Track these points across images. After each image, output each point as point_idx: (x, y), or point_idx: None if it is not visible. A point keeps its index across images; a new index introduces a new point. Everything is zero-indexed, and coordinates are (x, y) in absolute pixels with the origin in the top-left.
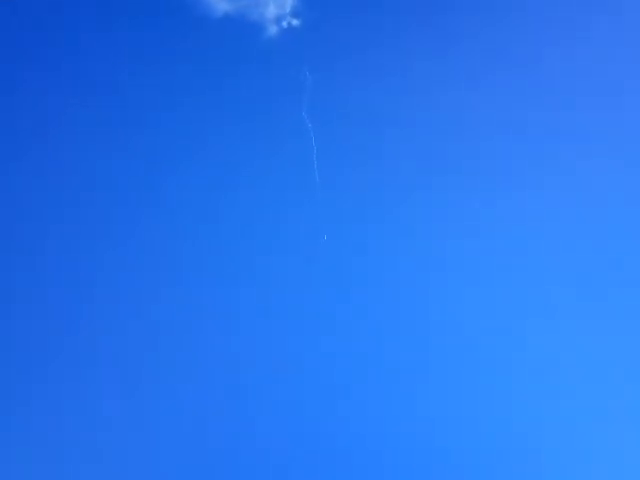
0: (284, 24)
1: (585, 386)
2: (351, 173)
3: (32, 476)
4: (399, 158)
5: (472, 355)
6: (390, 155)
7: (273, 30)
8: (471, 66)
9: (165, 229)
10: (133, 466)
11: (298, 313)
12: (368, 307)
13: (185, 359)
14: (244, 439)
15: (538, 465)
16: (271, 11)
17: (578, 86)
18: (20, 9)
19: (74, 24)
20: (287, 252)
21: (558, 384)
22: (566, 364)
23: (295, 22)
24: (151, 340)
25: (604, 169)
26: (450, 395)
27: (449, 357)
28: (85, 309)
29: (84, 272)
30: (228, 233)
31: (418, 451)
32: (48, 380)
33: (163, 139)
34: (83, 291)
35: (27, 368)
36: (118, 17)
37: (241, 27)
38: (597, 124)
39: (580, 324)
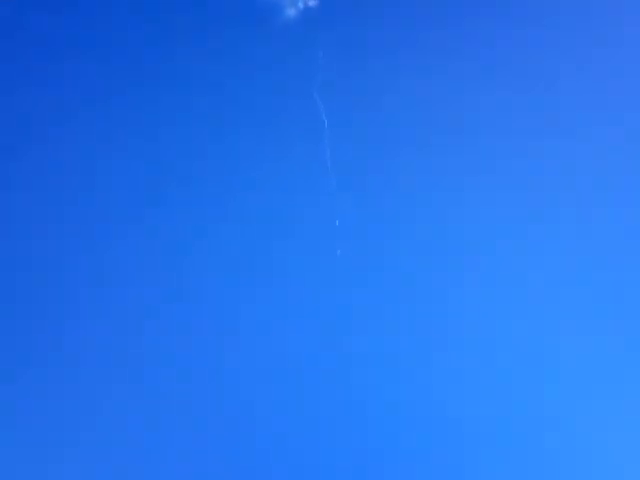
0: (300, 5)
1: (586, 387)
2: (363, 156)
3: (32, 476)
4: (413, 138)
5: (475, 356)
6: (403, 135)
7: (288, 10)
8: (489, 55)
9: (173, 224)
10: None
11: (308, 311)
12: (383, 307)
13: (191, 360)
14: (253, 443)
15: (540, 466)
16: None
17: (582, 87)
18: (20, 8)
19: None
20: (299, 240)
21: (561, 386)
22: (567, 365)
23: (312, 3)
24: (160, 339)
25: (608, 169)
26: (456, 400)
27: (458, 358)
28: (102, 310)
29: (97, 272)
30: (236, 214)
31: (420, 452)
32: (49, 380)
33: (171, 122)
34: (97, 292)
35: (27, 368)
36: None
37: (254, 6)
38: (602, 124)
39: (582, 324)
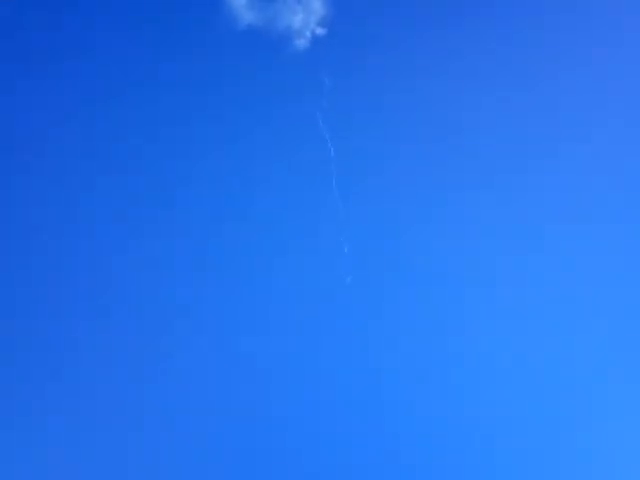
0: (307, 33)
1: (587, 391)
2: (368, 181)
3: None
4: (417, 167)
5: (485, 372)
6: (411, 159)
7: (294, 39)
8: (495, 72)
9: (179, 236)
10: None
11: (316, 337)
12: (385, 315)
13: (190, 360)
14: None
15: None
16: (293, 21)
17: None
18: (23, 9)
19: (93, 35)
20: (304, 259)
21: (563, 390)
22: (568, 367)
23: (319, 31)
24: (163, 341)
25: (609, 170)
26: (464, 409)
27: (465, 367)
28: (106, 317)
29: (97, 272)
30: (245, 242)
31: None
32: (53, 381)
33: (182, 148)
34: (104, 299)
35: (28, 369)
36: (138, 27)
37: (262, 36)
38: (604, 124)
39: (583, 326)
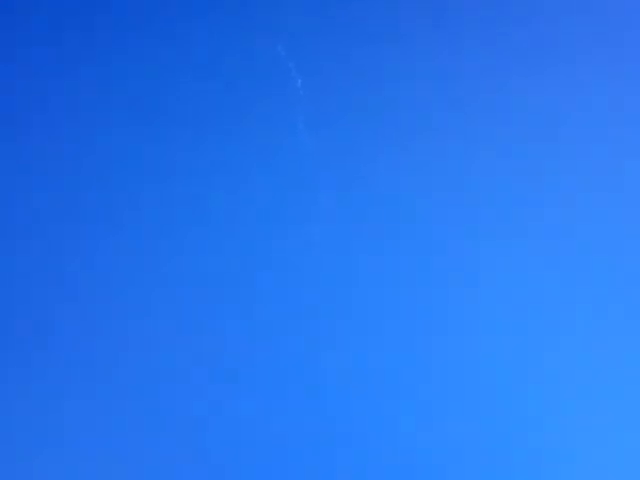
0: None
1: (588, 392)
2: (338, 117)
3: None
4: (394, 162)
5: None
6: (386, 160)
7: None
8: (469, 66)
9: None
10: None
11: (291, 310)
12: (362, 305)
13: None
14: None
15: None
16: None
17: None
18: (22, 10)
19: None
20: (279, 253)
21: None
22: (568, 368)
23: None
24: (146, 348)
25: (616, 170)
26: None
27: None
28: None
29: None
30: (216, 236)
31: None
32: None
33: (151, 136)
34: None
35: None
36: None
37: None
38: (612, 125)
39: (584, 327)
